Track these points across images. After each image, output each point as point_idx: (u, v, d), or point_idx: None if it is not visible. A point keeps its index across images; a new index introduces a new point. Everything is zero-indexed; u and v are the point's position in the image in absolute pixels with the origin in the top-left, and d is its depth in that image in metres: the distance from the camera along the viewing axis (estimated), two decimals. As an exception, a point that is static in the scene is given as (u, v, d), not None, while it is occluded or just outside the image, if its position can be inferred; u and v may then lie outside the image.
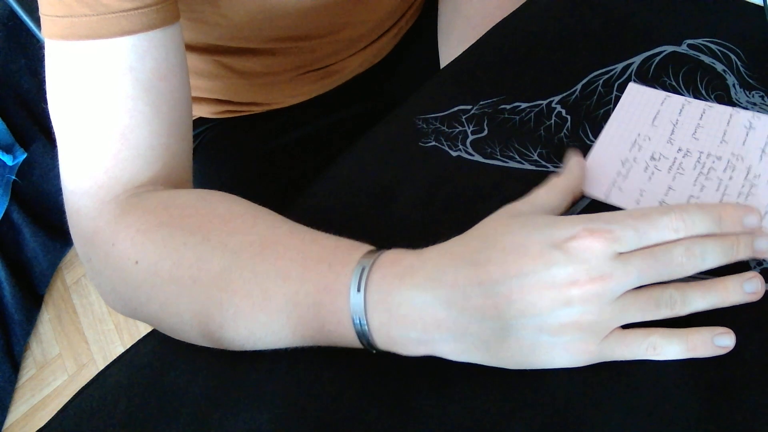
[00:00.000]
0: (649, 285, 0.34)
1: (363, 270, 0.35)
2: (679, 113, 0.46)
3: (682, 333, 0.34)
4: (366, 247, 0.37)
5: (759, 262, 0.38)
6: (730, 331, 0.34)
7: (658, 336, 0.34)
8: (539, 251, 0.33)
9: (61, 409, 0.39)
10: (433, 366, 0.36)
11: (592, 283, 0.33)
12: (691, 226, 0.34)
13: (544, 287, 0.33)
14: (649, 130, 0.46)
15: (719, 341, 0.34)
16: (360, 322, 0.35)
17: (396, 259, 0.36)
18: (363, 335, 0.35)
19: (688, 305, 0.34)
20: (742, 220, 0.35)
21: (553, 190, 0.40)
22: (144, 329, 1.38)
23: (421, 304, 0.34)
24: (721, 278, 0.35)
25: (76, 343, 1.41)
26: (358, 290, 0.34)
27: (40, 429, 0.39)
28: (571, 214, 0.42)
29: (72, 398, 0.40)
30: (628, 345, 0.34)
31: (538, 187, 0.39)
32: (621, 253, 0.33)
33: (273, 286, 0.36)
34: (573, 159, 0.43)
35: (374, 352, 0.36)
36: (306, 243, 0.37)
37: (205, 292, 0.37)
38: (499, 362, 0.35)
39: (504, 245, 0.34)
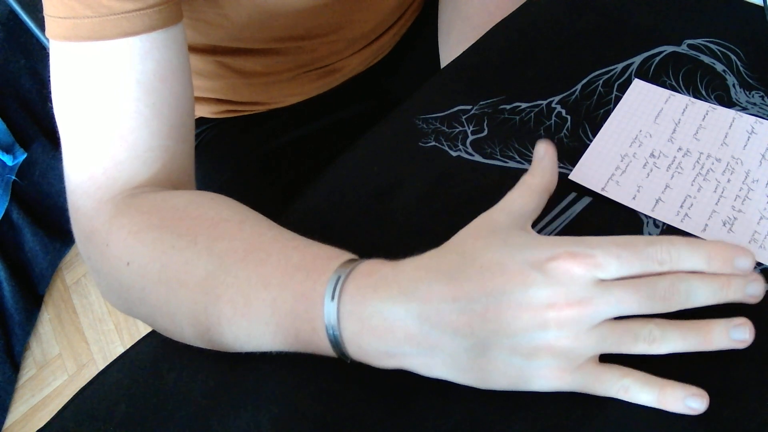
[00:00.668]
0: (629, 317, 0.33)
1: (338, 279, 0.34)
2: (682, 113, 0.46)
3: (656, 383, 0.33)
4: (346, 256, 0.37)
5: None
6: (705, 393, 0.33)
7: (631, 380, 0.33)
8: (518, 270, 0.32)
9: (61, 409, 0.39)
10: (433, 366, 0.36)
11: (570, 308, 0.32)
12: (677, 260, 0.33)
13: (520, 308, 0.32)
14: (651, 127, 0.46)
15: (690, 402, 0.33)
16: (333, 331, 0.34)
17: (372, 269, 0.35)
18: (336, 345, 0.35)
19: (667, 344, 0.33)
20: (732, 261, 0.33)
21: (528, 193, 0.38)
22: (144, 329, 1.38)
23: (392, 317, 0.33)
24: (707, 321, 0.33)
25: (76, 343, 1.41)
26: (332, 299, 0.34)
27: (40, 429, 0.39)
28: (571, 214, 0.42)
29: (72, 398, 0.40)
30: (601, 382, 0.33)
31: (511, 191, 0.38)
32: (603, 281, 0.32)
33: (253, 292, 0.36)
34: (542, 152, 0.40)
35: (348, 362, 0.36)
36: (288, 250, 0.37)
37: (192, 296, 0.37)
38: (469, 381, 0.34)
39: (482, 262, 0.33)
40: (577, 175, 0.44)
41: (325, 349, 0.35)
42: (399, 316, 0.33)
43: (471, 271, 0.33)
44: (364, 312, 0.34)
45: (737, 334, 0.33)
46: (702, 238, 0.39)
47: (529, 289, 0.32)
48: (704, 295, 0.33)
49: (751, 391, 0.34)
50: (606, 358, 0.34)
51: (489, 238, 0.35)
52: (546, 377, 0.33)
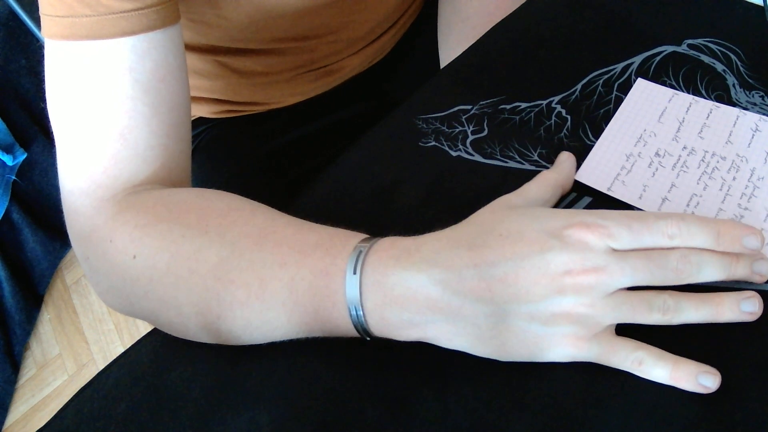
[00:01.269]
0: (644, 288, 0.34)
1: (360, 253, 0.35)
2: (686, 111, 0.46)
3: (669, 359, 0.34)
4: (362, 235, 0.38)
5: None
6: (717, 372, 0.33)
7: (646, 352, 0.34)
8: (536, 237, 0.33)
9: (61, 409, 0.39)
10: (433, 366, 0.36)
11: (586, 274, 0.33)
12: (687, 235, 0.34)
13: (538, 273, 0.33)
14: (655, 127, 0.46)
15: (703, 379, 0.33)
16: (355, 305, 0.35)
17: (393, 243, 0.36)
18: (357, 319, 0.35)
19: (681, 314, 0.34)
20: (741, 240, 0.34)
21: (543, 184, 0.40)
22: (144, 329, 1.38)
23: (415, 285, 0.34)
24: (718, 293, 0.34)
25: (76, 343, 1.41)
26: (354, 272, 0.35)
27: (40, 429, 0.39)
28: (571, 214, 0.42)
29: (72, 398, 0.40)
30: (615, 351, 0.34)
31: (528, 183, 0.40)
32: (616, 251, 0.33)
33: (269, 273, 0.36)
34: (564, 154, 0.44)
35: (368, 339, 0.36)
36: (303, 232, 0.38)
37: (203, 283, 0.37)
38: (488, 351, 0.35)
39: (501, 231, 0.34)
40: (583, 175, 0.44)
41: (344, 325, 0.36)
42: (422, 284, 0.34)
43: (490, 239, 0.34)
44: (387, 282, 0.34)
45: (747, 306, 0.34)
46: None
47: (547, 254, 0.33)
48: (714, 269, 0.34)
49: (751, 391, 0.34)
50: (621, 335, 0.35)
51: (506, 211, 0.36)
52: (563, 345, 0.34)
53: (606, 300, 0.33)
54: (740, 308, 0.34)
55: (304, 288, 0.36)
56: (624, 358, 0.34)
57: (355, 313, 0.35)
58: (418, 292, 0.34)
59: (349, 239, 0.37)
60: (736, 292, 0.34)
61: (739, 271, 0.34)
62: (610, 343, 0.34)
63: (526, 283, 0.33)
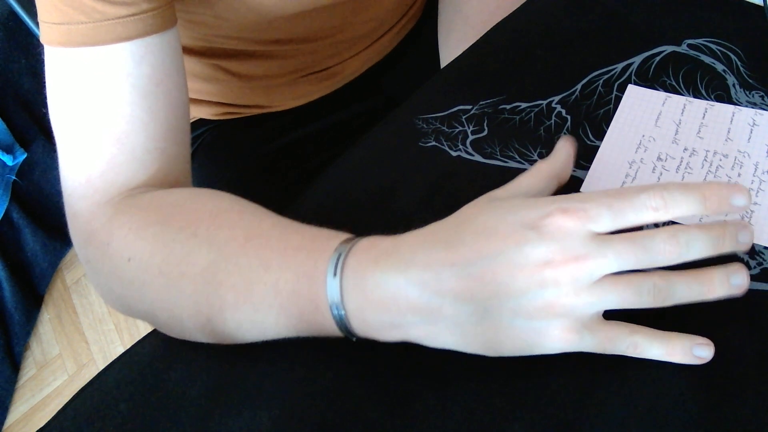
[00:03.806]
0: (632, 272, 0.32)
1: (339, 256, 0.35)
2: (682, 113, 0.46)
3: (663, 336, 0.34)
4: (345, 235, 0.37)
5: (759, 262, 0.38)
6: (711, 343, 0.33)
7: (640, 336, 0.33)
8: (511, 231, 0.32)
9: (61, 409, 0.39)
10: (433, 366, 0.36)
11: (567, 264, 0.31)
12: (672, 204, 0.32)
13: (515, 267, 0.32)
14: (653, 131, 0.46)
15: (698, 351, 0.33)
16: (337, 308, 0.35)
17: (372, 244, 0.36)
18: (340, 321, 0.35)
19: (672, 295, 0.33)
20: (729, 199, 0.32)
21: (536, 175, 0.38)
22: (144, 329, 1.38)
23: (394, 287, 0.33)
24: (708, 269, 0.33)
25: (76, 343, 1.41)
26: (335, 275, 0.34)
27: (40, 429, 0.39)
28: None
29: (72, 398, 0.40)
30: (609, 339, 0.33)
31: (521, 174, 0.39)
32: (599, 234, 0.32)
33: (255, 276, 0.36)
34: (560, 143, 0.41)
35: (354, 339, 0.36)
36: (288, 233, 0.38)
37: (193, 286, 0.37)
38: (474, 348, 0.34)
39: (476, 227, 0.33)
40: (588, 187, 0.43)
41: (330, 327, 0.36)
42: (400, 285, 0.33)
43: (466, 235, 0.33)
44: (367, 285, 0.34)
45: (736, 280, 0.33)
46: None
47: (524, 248, 0.32)
48: (703, 246, 0.32)
49: (751, 391, 0.34)
50: (608, 317, 0.34)
51: (485, 205, 0.35)
52: (552, 338, 0.33)
53: (590, 289, 0.32)
54: (730, 282, 0.33)
55: (288, 291, 0.36)
56: (618, 344, 0.33)
57: (337, 315, 0.35)
58: (397, 294, 0.33)
59: (331, 240, 0.36)
60: (723, 267, 0.33)
61: (726, 245, 0.33)
62: (602, 331, 0.33)
63: (504, 279, 0.32)
